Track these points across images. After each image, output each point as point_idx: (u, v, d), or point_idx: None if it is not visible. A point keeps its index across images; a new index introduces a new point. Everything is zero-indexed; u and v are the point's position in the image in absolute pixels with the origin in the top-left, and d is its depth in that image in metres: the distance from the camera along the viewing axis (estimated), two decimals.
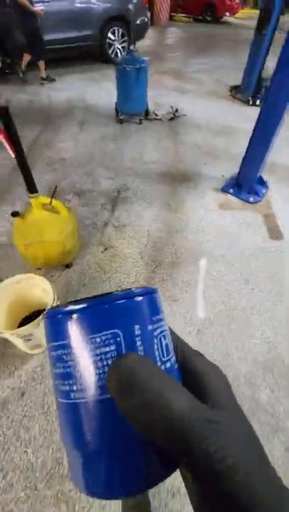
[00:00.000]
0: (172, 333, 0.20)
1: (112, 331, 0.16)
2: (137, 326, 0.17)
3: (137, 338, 0.16)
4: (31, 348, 1.26)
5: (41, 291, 1.25)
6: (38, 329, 1.12)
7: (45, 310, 1.16)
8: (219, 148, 2.89)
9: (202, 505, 0.14)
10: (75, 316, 0.16)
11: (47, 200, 1.41)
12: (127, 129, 3.20)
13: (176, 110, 3.49)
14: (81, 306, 0.16)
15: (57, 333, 0.17)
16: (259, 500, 0.12)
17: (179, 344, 0.20)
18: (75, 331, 0.16)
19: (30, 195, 1.34)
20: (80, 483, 0.16)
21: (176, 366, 0.18)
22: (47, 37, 4.08)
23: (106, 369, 0.16)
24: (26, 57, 4.07)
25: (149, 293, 0.18)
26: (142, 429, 0.14)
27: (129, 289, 0.18)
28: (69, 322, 0.16)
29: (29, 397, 1.18)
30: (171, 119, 3.39)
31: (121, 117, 3.25)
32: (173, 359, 0.18)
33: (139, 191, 2.30)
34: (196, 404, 0.15)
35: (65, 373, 0.16)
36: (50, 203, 1.42)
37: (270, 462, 0.14)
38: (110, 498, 0.15)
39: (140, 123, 3.27)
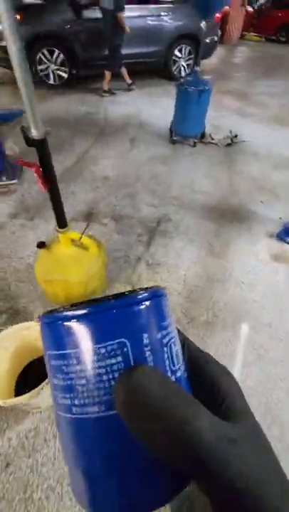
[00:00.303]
0: (178, 331, 0.18)
1: (118, 340, 0.14)
2: (145, 335, 0.15)
3: (145, 348, 0.15)
4: (28, 409, 1.09)
5: None
6: (37, 398, 0.94)
7: None
8: (280, 184, 2.55)
9: None
10: (76, 322, 0.14)
11: (77, 235, 1.26)
12: (180, 151, 3.02)
13: (236, 136, 3.22)
14: (83, 311, 0.14)
15: (55, 341, 0.15)
16: None
17: (186, 343, 0.19)
18: (76, 340, 0.14)
19: (59, 229, 1.20)
20: (84, 503, 0.15)
21: (185, 374, 0.17)
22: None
23: (112, 383, 0.14)
24: (108, 75, 4.17)
25: (158, 296, 0.16)
26: (155, 450, 0.13)
27: (135, 290, 0.16)
28: (70, 330, 0.15)
29: (13, 472, 1.00)
30: (229, 144, 3.13)
31: (174, 138, 3.08)
32: (182, 367, 0.17)
33: (182, 225, 2.07)
34: (215, 422, 0.13)
35: (66, 386, 0.15)
36: (80, 238, 1.26)
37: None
38: None
39: (194, 146, 3.07)
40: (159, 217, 2.14)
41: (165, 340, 0.16)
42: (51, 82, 4.38)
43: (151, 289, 0.17)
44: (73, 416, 0.15)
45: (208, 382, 0.17)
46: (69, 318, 0.15)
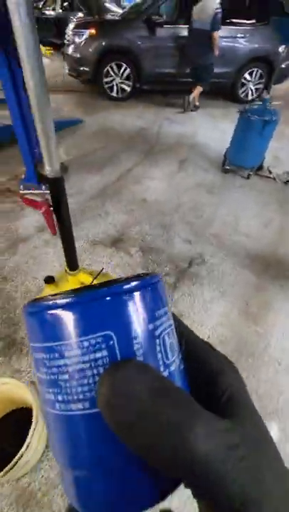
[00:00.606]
0: (174, 319, 0.17)
1: (103, 333, 0.13)
2: (134, 327, 0.14)
3: (134, 341, 0.13)
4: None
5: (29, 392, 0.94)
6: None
7: (28, 408, 1.00)
8: None
9: None
10: (57, 313, 0.13)
11: (87, 279, 1.08)
12: (230, 181, 2.75)
13: None
14: (65, 301, 0.13)
15: (36, 332, 0.14)
16: None
17: (184, 332, 0.17)
18: (58, 332, 0.13)
19: (69, 271, 1.04)
20: (74, 500, 0.15)
21: (182, 366, 0.16)
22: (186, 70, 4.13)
23: (96, 379, 0.13)
24: (198, 89, 4.14)
25: (151, 284, 0.15)
26: (141, 456, 0.12)
27: (126, 278, 0.15)
28: (51, 321, 0.13)
29: None
30: (288, 181, 2.77)
31: (227, 167, 2.82)
32: (178, 359, 0.15)
33: (216, 270, 1.80)
34: (213, 425, 0.12)
35: (49, 380, 0.14)
36: (92, 283, 1.09)
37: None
38: None
39: (248, 178, 2.77)
40: (193, 256, 1.89)
41: (158, 332, 0.14)
42: (114, 94, 4.44)
43: (144, 276, 0.15)
44: (57, 412, 0.14)
45: (207, 374, 0.16)
46: (50, 308, 0.14)
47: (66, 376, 0.13)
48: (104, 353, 0.13)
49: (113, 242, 1.94)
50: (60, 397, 0.14)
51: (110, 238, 1.97)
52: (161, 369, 0.14)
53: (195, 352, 0.17)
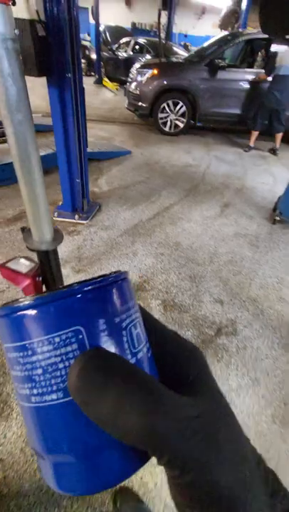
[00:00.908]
0: (142, 311, 0.19)
1: (73, 328, 0.14)
2: (101, 321, 0.15)
3: (102, 334, 0.15)
4: None
5: None
6: None
7: None
8: None
9: (180, 496, 0.14)
10: (28, 314, 0.14)
11: None
12: (279, 235, 2.43)
13: None
14: (34, 302, 0.14)
15: (9, 333, 0.15)
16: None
17: (152, 323, 0.19)
18: (30, 332, 0.14)
19: None
20: (52, 483, 0.16)
21: (149, 354, 0.17)
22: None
23: (68, 370, 0.14)
24: (279, 136, 4.12)
25: (116, 281, 0.16)
26: (112, 434, 0.13)
27: (93, 279, 0.16)
28: (22, 321, 0.14)
29: None
30: None
31: (277, 217, 2.51)
32: (146, 348, 0.17)
33: (249, 348, 1.48)
34: (174, 403, 0.13)
35: (24, 376, 0.15)
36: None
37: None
38: (85, 495, 0.15)
39: None
40: (222, 323, 1.60)
41: (124, 324, 0.16)
42: (166, 129, 4.51)
43: (110, 274, 0.17)
44: (34, 405, 0.15)
45: (174, 359, 0.17)
46: (21, 310, 0.15)
47: (40, 371, 0.14)
48: (75, 346, 0.14)
49: (134, 289, 1.75)
50: (35, 391, 0.14)
51: (132, 282, 1.78)
52: (129, 357, 0.15)
53: (164, 340, 0.18)
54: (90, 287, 0.15)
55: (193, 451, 0.12)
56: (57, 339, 0.14)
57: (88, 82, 7.01)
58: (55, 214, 2.30)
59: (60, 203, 2.35)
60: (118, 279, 0.16)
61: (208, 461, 0.12)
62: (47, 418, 0.15)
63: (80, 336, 0.14)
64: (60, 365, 0.14)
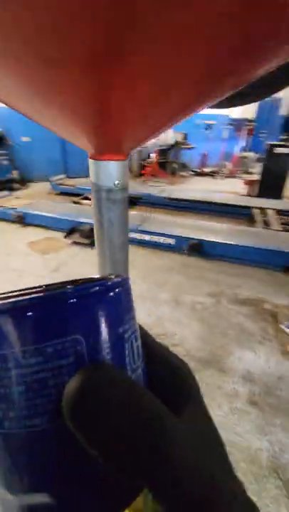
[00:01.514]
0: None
1: (71, 337, 0.12)
2: (105, 330, 0.13)
3: (105, 345, 0.13)
4: None
5: None
6: None
7: None
8: None
9: None
10: (14, 315, 0.12)
11: None
12: None
13: None
14: (25, 301, 0.12)
15: None
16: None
17: (142, 334, 0.17)
18: (15, 338, 0.12)
19: None
20: None
21: (145, 369, 0.15)
22: None
23: (61, 388, 0.12)
24: None
25: (122, 285, 0.14)
26: (108, 461, 0.12)
27: (96, 279, 0.14)
28: (6, 323, 0.12)
29: None
30: None
31: None
32: (143, 363, 0.15)
33: None
34: (178, 427, 0.13)
35: None
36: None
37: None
38: None
39: None
40: None
41: (126, 335, 0.14)
42: None
43: (113, 277, 0.14)
44: (5, 431, 0.12)
45: (164, 377, 0.16)
46: (6, 310, 0.12)
47: (22, 388, 0.12)
48: (71, 359, 0.12)
49: None
50: (11, 414, 0.12)
51: None
52: (129, 373, 0.14)
53: (154, 354, 0.17)
54: (96, 288, 0.13)
55: (186, 465, 0.12)
56: (50, 349, 0.12)
57: None
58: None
59: None
60: (124, 283, 0.15)
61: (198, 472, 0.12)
62: (23, 447, 0.12)
63: (79, 347, 0.12)
64: (50, 382, 0.12)
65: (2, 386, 0.12)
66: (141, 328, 0.18)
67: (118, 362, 0.13)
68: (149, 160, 5.28)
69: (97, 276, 0.16)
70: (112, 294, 0.13)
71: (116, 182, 0.27)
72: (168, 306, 1.88)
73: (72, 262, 2.34)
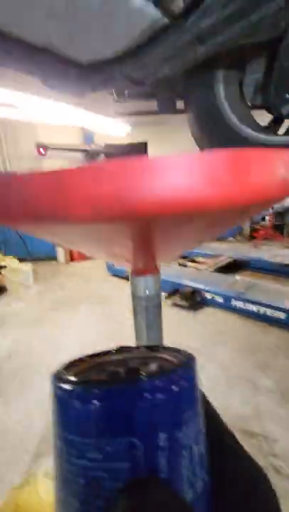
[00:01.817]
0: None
1: (129, 439, 0.11)
2: (163, 435, 0.11)
3: (159, 453, 0.11)
4: None
5: None
6: None
7: None
8: None
9: None
10: (96, 404, 0.11)
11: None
12: None
13: None
14: (91, 390, 0.11)
15: (57, 419, 0.12)
16: None
17: (211, 421, 0.14)
18: (83, 426, 0.11)
19: None
20: None
21: (208, 480, 0.13)
22: None
23: (113, 494, 0.11)
24: None
25: (188, 376, 0.12)
26: None
27: (159, 368, 0.13)
28: (83, 410, 0.11)
29: None
30: None
31: None
32: (206, 473, 0.13)
33: None
34: None
35: (64, 479, 0.12)
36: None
37: None
38: None
39: None
40: None
41: (187, 440, 0.12)
42: None
43: (175, 361, 0.13)
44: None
45: (233, 485, 0.13)
46: (74, 396, 0.11)
47: (82, 480, 0.11)
48: (126, 464, 0.11)
49: None
50: (76, 504, 0.12)
51: None
52: (186, 488, 0.12)
53: (222, 457, 0.14)
54: (162, 383, 0.11)
55: None
56: (108, 448, 0.11)
57: None
58: None
59: None
60: (190, 372, 0.13)
61: None
62: None
63: (135, 452, 0.11)
64: (107, 484, 0.11)
65: (68, 471, 0.12)
66: (212, 411, 0.15)
67: (173, 474, 0.12)
68: (263, 223, 5.08)
69: (154, 346, 0.14)
70: (177, 386, 0.12)
71: (147, 292, 0.31)
72: (271, 397, 1.54)
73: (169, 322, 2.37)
